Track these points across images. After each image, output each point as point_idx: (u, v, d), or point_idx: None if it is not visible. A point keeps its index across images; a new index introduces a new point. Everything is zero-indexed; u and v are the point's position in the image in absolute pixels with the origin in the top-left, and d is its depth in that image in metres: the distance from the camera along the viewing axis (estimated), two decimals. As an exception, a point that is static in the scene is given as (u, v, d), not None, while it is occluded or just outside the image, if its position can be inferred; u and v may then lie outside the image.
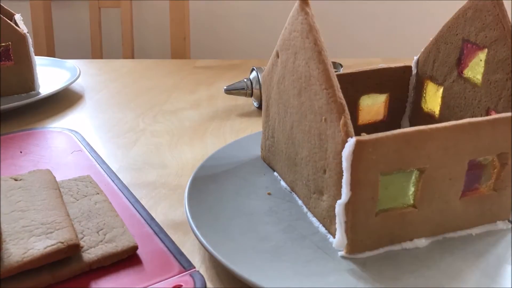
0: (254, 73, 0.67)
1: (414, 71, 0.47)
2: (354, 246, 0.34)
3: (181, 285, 0.32)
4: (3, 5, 0.74)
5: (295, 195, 0.42)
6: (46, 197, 0.38)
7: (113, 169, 0.50)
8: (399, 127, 0.48)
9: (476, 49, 0.40)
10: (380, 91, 0.47)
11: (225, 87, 0.66)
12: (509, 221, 0.38)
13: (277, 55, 0.42)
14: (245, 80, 0.67)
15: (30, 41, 0.71)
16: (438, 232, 0.36)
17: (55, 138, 0.58)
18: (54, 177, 0.43)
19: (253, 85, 0.66)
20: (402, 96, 0.48)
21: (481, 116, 0.40)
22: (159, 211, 0.43)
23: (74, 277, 0.33)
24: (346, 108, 0.33)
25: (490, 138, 0.34)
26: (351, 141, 0.31)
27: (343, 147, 0.31)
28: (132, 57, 1.22)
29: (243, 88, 0.66)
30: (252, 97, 0.67)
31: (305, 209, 0.40)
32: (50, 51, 1.22)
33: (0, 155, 0.52)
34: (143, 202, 0.44)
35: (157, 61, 0.99)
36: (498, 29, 0.38)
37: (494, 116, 0.34)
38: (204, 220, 0.37)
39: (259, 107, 0.68)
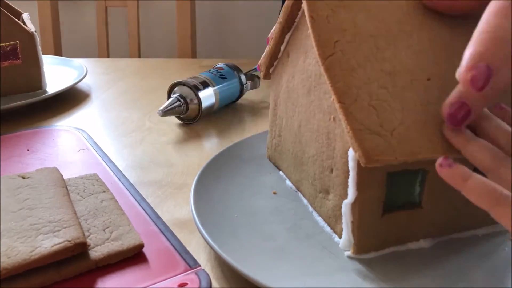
0: (180, 89, 0.62)
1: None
2: (361, 246, 0.34)
3: (187, 283, 0.32)
4: (11, 4, 0.75)
5: (300, 195, 0.42)
6: (53, 195, 0.39)
7: (119, 168, 0.50)
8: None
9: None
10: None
11: (160, 110, 0.59)
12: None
13: (287, 54, 0.42)
14: (176, 96, 0.61)
15: (38, 40, 0.71)
16: (444, 233, 0.36)
17: (62, 137, 0.58)
18: (61, 175, 0.43)
19: (188, 101, 0.61)
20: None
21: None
22: (165, 209, 0.43)
23: (81, 274, 0.33)
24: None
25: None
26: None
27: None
28: (139, 56, 1.22)
29: (180, 106, 0.60)
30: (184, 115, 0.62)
31: (311, 209, 0.40)
32: (57, 50, 1.23)
33: (8, 153, 0.53)
34: (149, 200, 0.44)
35: (164, 60, 0.99)
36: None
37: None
38: (209, 219, 0.37)
39: (191, 123, 0.63)
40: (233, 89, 0.67)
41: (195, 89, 0.61)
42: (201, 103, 0.61)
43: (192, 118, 0.63)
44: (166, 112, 0.60)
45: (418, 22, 0.35)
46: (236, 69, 0.69)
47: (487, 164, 0.30)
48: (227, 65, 0.69)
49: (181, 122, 0.64)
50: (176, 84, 0.63)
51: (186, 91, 0.62)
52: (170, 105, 0.60)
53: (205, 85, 0.63)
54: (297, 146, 0.42)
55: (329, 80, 0.32)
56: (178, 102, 0.61)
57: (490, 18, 0.29)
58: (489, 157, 0.30)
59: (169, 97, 0.63)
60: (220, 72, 0.67)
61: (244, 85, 0.69)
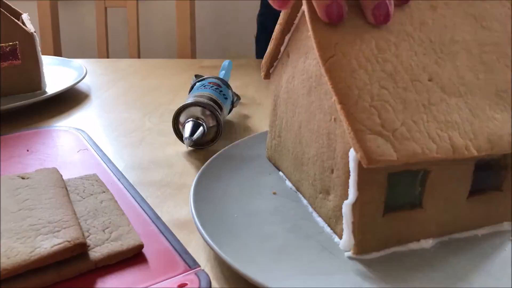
0: (193, 110, 0.53)
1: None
2: (361, 247, 0.34)
3: (186, 284, 0.32)
4: (10, 5, 0.75)
5: (300, 195, 0.42)
6: (53, 195, 0.39)
7: (119, 168, 0.50)
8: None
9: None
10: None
11: (188, 139, 0.51)
12: (516, 222, 0.37)
13: (287, 55, 0.42)
14: (193, 120, 0.53)
15: (37, 40, 0.71)
16: (444, 233, 0.36)
17: (62, 137, 0.58)
18: (61, 176, 0.43)
19: (207, 123, 0.53)
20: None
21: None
22: (164, 210, 0.43)
23: (80, 275, 0.33)
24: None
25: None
26: (358, 141, 0.31)
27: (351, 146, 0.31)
28: (138, 57, 1.22)
29: (203, 131, 0.53)
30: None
31: (310, 209, 0.40)
32: (56, 51, 1.23)
33: (8, 154, 0.53)
34: (148, 201, 0.44)
35: (163, 61, 0.99)
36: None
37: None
38: (209, 219, 0.37)
39: (203, 147, 0.55)
40: (229, 108, 0.62)
41: (215, 109, 0.54)
42: (220, 124, 0.54)
43: (206, 142, 0.55)
44: (195, 140, 0.52)
45: (419, 22, 0.35)
46: (229, 86, 0.63)
47: None
48: (221, 81, 0.62)
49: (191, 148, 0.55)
50: (185, 106, 0.54)
51: (198, 111, 0.54)
52: (197, 131, 0.52)
53: (217, 104, 0.56)
54: (297, 147, 0.42)
55: (330, 81, 0.32)
56: (201, 128, 0.53)
57: None
58: None
59: (177, 122, 0.55)
60: (220, 89, 0.60)
61: (234, 103, 0.64)
